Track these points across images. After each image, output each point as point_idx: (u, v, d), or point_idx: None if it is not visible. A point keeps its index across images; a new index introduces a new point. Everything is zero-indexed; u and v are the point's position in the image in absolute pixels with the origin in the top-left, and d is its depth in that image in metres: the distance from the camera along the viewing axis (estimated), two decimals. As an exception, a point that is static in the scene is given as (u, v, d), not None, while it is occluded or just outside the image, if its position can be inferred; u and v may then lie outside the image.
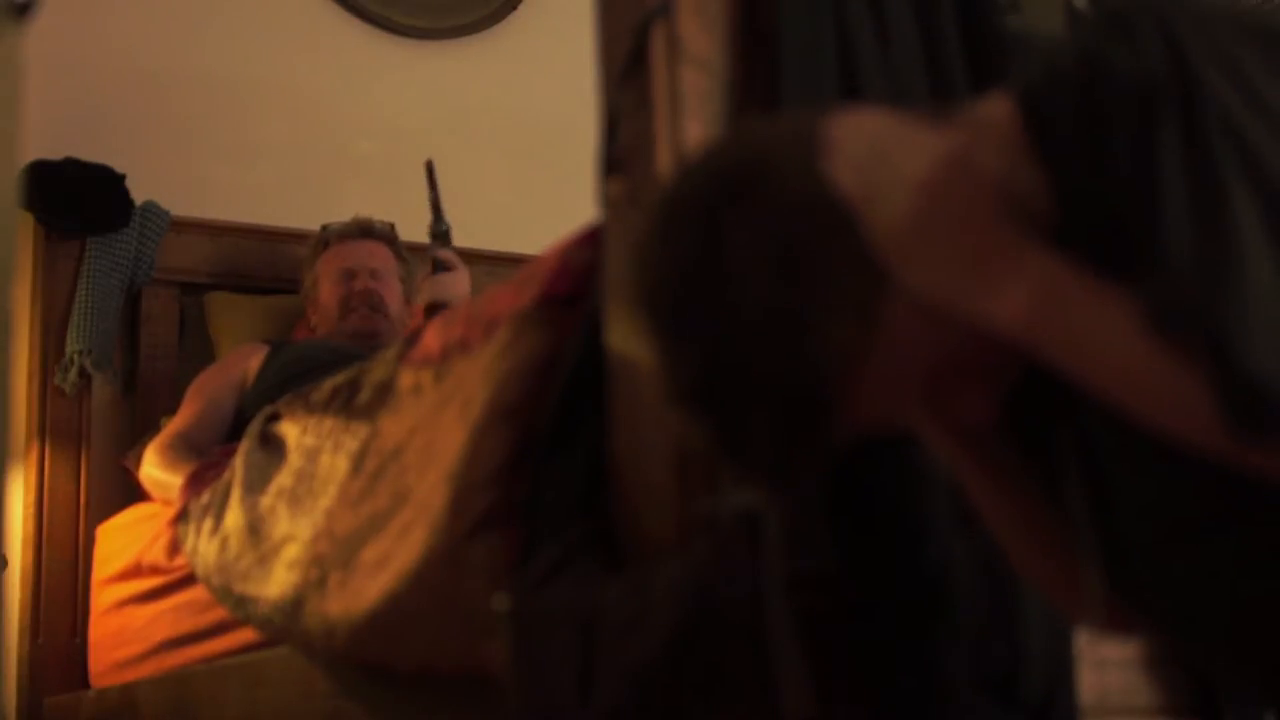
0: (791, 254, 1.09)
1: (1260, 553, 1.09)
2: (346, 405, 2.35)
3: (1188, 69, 1.03)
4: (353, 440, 2.23)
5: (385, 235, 3.53)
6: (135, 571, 2.98)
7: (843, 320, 1.08)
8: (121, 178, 3.41)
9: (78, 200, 3.39)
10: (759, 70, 1.62)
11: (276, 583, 2.24)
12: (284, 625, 2.22)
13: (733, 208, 1.10)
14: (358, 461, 2.17)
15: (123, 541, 3.10)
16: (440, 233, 3.39)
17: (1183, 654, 1.35)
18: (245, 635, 2.50)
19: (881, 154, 1.11)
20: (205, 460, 2.94)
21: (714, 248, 1.10)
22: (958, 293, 1.09)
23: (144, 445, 3.16)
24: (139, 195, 3.45)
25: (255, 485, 2.49)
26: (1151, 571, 1.16)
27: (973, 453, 1.30)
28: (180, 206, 3.55)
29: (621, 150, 1.66)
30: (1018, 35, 1.71)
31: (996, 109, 1.17)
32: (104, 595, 3.11)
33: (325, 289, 3.43)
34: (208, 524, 2.60)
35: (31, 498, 3.24)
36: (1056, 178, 1.10)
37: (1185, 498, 1.11)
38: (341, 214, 3.57)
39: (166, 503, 2.95)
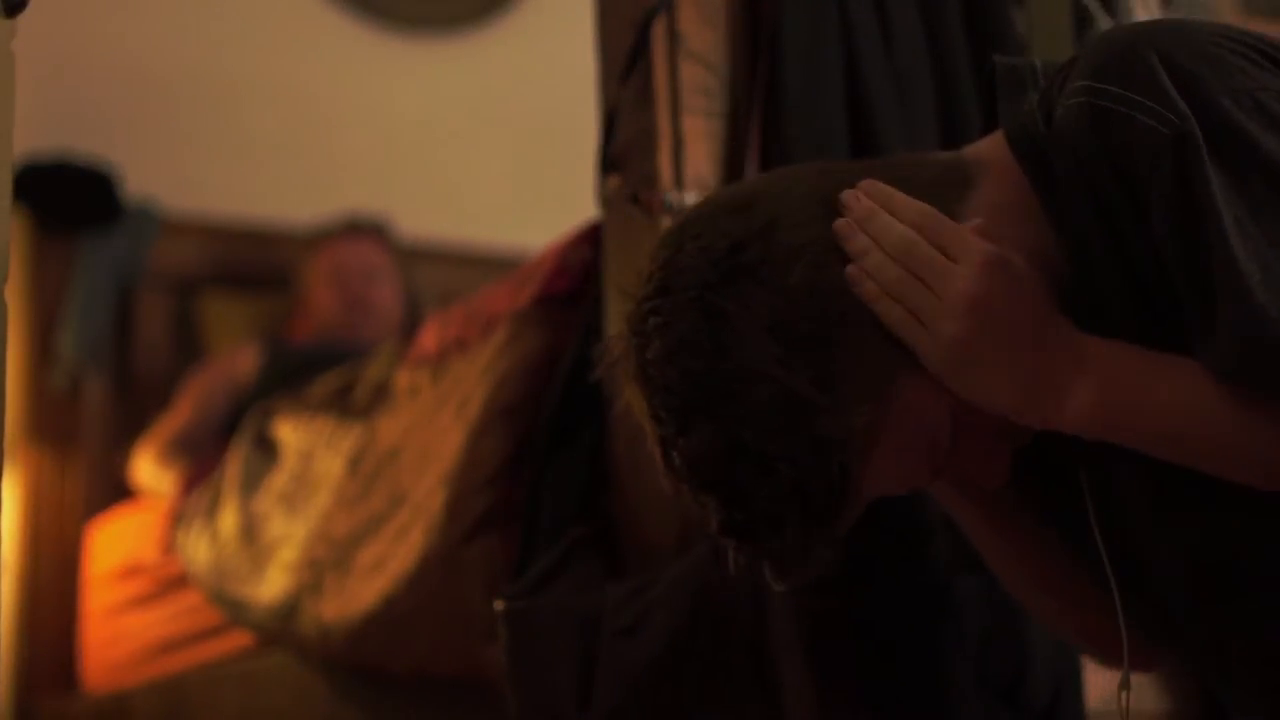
0: (798, 339, 1.05)
1: None
2: (342, 406, 2.35)
3: (1210, 108, 1.00)
4: (349, 441, 2.22)
5: (375, 231, 3.51)
6: (129, 573, 2.97)
7: (856, 405, 1.05)
8: (114, 176, 3.40)
9: (69, 199, 3.37)
10: (761, 65, 1.61)
11: (271, 586, 2.23)
12: (279, 629, 2.21)
13: (733, 286, 1.06)
14: (354, 463, 2.16)
15: (116, 543, 3.08)
16: None
17: (1208, 685, 1.32)
18: (241, 638, 2.49)
19: (907, 255, 1.05)
20: (200, 461, 2.93)
21: (716, 330, 1.05)
22: (1024, 404, 1.05)
23: (138, 445, 3.14)
24: (133, 190, 3.44)
25: (250, 487, 2.48)
26: (1184, 621, 1.14)
27: (981, 507, 1.27)
28: (175, 201, 3.53)
29: (621, 147, 1.65)
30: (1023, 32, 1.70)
31: (993, 154, 1.13)
32: (97, 597, 3.09)
33: (317, 292, 3.41)
34: (202, 526, 2.59)
35: (22, 499, 3.22)
36: (1072, 236, 1.07)
37: (1224, 555, 1.08)
38: (337, 208, 3.55)
39: (160, 503, 2.94)
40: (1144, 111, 1.00)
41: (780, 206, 1.09)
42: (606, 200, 1.67)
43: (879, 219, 1.06)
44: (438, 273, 3.76)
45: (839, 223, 1.07)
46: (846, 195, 1.08)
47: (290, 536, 2.25)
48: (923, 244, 1.05)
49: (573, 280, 1.80)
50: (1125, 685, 1.16)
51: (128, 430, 3.28)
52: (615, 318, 1.59)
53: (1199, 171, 0.98)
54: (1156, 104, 1.00)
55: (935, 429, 1.09)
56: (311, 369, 2.82)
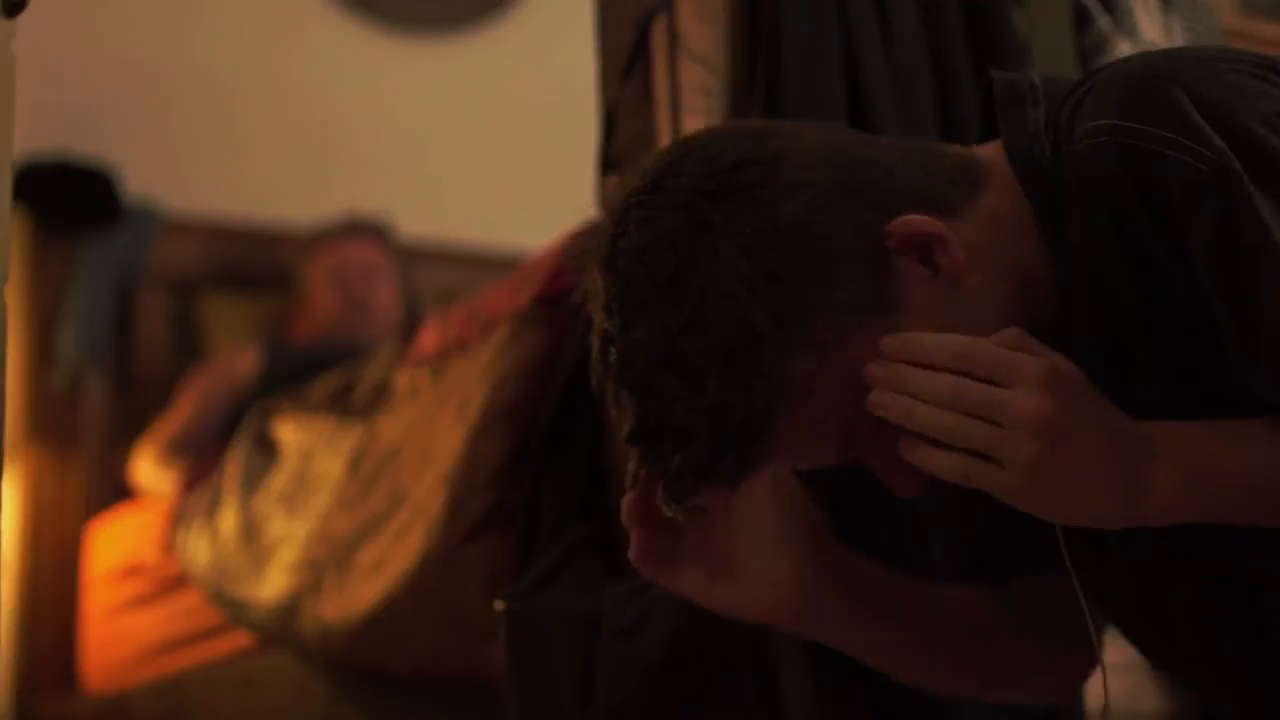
0: (771, 270, 1.03)
1: None
2: (342, 406, 2.35)
3: (1247, 139, 0.98)
4: (349, 441, 2.22)
5: (375, 231, 3.51)
6: (129, 573, 2.96)
7: (803, 352, 1.03)
8: (114, 176, 3.40)
9: (69, 199, 3.37)
10: (761, 65, 1.60)
11: (271, 586, 2.23)
12: (279, 629, 2.21)
13: (725, 201, 1.04)
14: (354, 463, 2.16)
15: (116, 543, 3.08)
16: None
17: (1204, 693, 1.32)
18: (241, 638, 2.49)
19: (959, 401, 1.01)
20: (200, 461, 2.93)
21: (695, 238, 1.03)
22: (1118, 510, 1.02)
23: (138, 445, 3.14)
24: (133, 190, 3.44)
25: (250, 487, 2.48)
26: (1192, 649, 1.14)
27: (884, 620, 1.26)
28: (175, 201, 3.54)
29: (620, 147, 1.65)
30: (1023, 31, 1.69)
31: (995, 162, 1.11)
32: (97, 597, 3.09)
33: (317, 292, 3.41)
34: (202, 526, 2.59)
35: (22, 499, 3.22)
36: (1090, 271, 1.05)
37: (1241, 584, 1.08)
38: (336, 208, 3.56)
39: (160, 503, 2.94)
40: (1179, 149, 0.98)
41: (793, 144, 1.08)
42: (606, 200, 1.67)
43: (916, 378, 1.03)
44: (437, 273, 3.76)
45: (874, 396, 1.04)
46: (872, 369, 1.04)
47: (290, 536, 2.25)
48: (970, 384, 1.01)
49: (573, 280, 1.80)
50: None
51: (128, 430, 3.29)
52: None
53: (1246, 205, 0.96)
54: (1191, 141, 0.98)
55: (862, 411, 1.05)
56: (311, 369, 2.82)
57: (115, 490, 3.21)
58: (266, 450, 2.53)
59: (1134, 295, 1.03)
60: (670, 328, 1.03)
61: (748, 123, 1.14)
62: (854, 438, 1.08)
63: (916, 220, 1.05)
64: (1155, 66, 1.04)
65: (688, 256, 1.03)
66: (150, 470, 3.05)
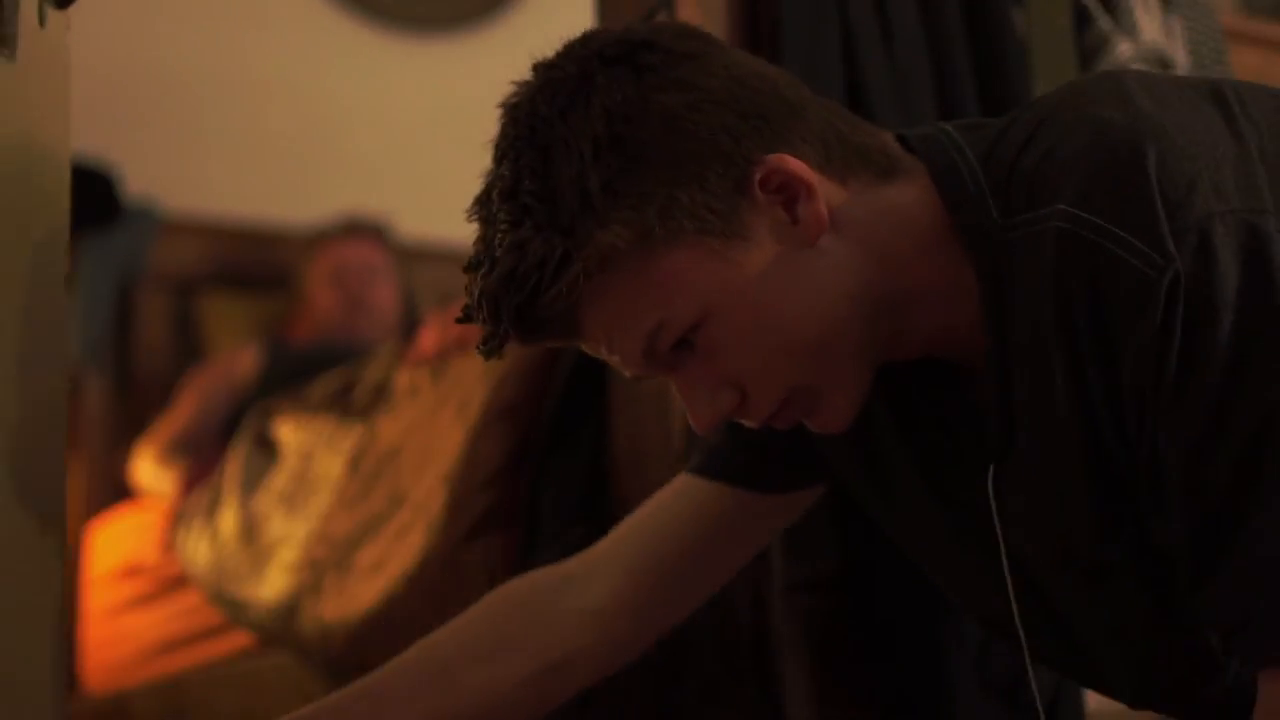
0: (622, 142, 1.03)
1: None
2: (343, 406, 2.35)
3: (1205, 246, 0.91)
4: (349, 441, 2.22)
5: (375, 231, 3.52)
6: (129, 573, 2.96)
7: (620, 231, 1.02)
8: (114, 176, 3.40)
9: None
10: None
11: (271, 586, 2.23)
12: (279, 629, 2.21)
13: (615, 67, 1.05)
14: (354, 463, 2.16)
15: (116, 543, 3.08)
16: None
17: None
18: (241, 638, 2.49)
19: None
20: (200, 461, 2.93)
21: (574, 94, 1.05)
22: None
23: (138, 445, 3.14)
24: (133, 190, 3.44)
25: (250, 487, 2.48)
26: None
27: None
28: (175, 201, 3.54)
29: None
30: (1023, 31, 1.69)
31: (911, 179, 1.06)
32: (98, 597, 3.09)
33: (316, 292, 3.42)
34: (202, 526, 2.59)
35: (23, 499, 3.22)
36: (1028, 350, 1.00)
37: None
38: (335, 208, 3.56)
39: (160, 503, 2.94)
40: (1130, 251, 0.93)
41: (714, 55, 1.07)
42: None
43: None
44: (437, 273, 3.76)
45: None
46: None
47: (290, 536, 2.25)
48: None
49: (573, 280, 1.80)
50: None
51: (128, 430, 3.28)
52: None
53: (1196, 315, 0.92)
54: (1145, 244, 0.92)
55: (669, 318, 1.04)
56: (311, 369, 2.83)
57: (115, 490, 3.21)
58: (266, 450, 2.53)
59: (1076, 406, 0.99)
60: (522, 167, 1.06)
61: (691, 26, 1.15)
62: (657, 352, 1.06)
63: (790, 161, 1.03)
64: (1130, 136, 0.96)
65: (563, 106, 1.05)
66: (150, 470, 3.05)
